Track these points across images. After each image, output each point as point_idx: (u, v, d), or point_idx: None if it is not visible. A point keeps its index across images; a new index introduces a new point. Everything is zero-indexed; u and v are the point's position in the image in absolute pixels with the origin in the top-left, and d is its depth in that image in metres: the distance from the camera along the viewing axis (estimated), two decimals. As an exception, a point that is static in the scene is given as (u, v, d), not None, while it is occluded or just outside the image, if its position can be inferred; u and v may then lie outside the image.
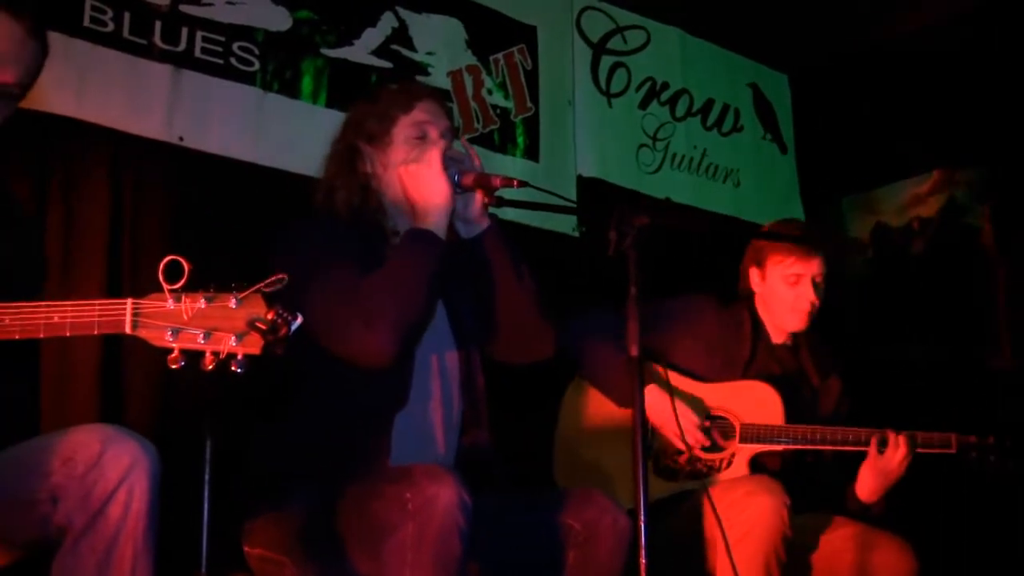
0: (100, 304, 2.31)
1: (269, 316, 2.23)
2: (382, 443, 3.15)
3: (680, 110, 6.41)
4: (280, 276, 2.27)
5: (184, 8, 4.53)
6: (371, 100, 3.57)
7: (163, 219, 4.45)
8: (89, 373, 4.11)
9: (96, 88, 4.27)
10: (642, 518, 2.70)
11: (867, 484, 4.08)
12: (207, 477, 3.04)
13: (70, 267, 4.19)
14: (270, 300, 2.26)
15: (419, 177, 3.25)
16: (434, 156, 3.26)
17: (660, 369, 3.87)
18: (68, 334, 2.31)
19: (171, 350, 2.26)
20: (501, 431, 3.52)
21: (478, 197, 3.34)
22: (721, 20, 6.45)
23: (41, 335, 2.32)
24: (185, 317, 2.24)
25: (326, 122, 4.70)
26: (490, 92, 5.48)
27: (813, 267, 4.25)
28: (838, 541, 4.01)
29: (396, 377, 3.21)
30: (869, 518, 4.10)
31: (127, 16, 4.38)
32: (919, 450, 4.02)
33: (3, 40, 2.74)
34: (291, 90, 4.80)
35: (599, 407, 4.15)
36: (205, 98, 4.55)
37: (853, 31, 6.50)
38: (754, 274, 4.37)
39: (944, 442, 4.04)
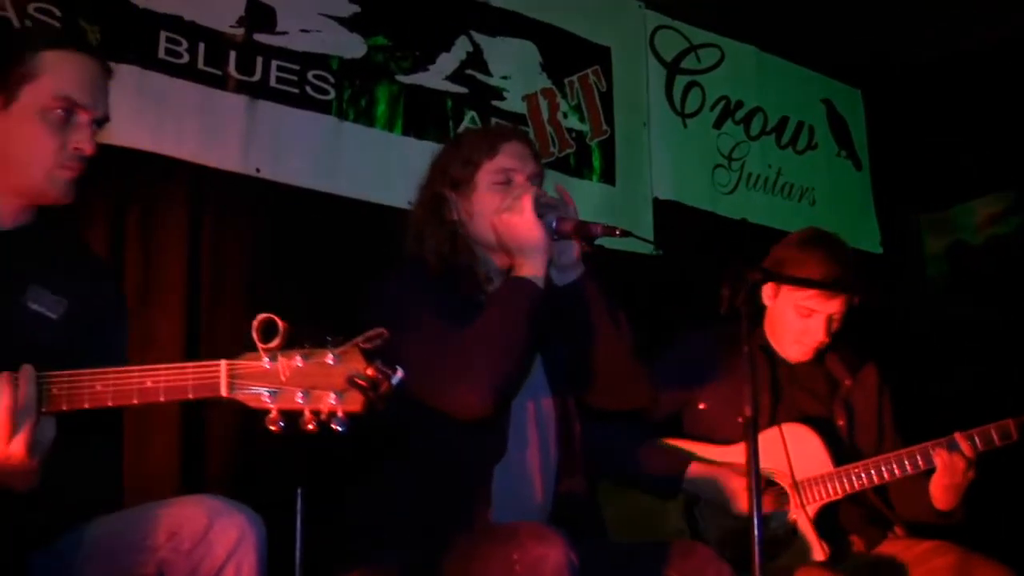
0: (194, 367, 2.19)
1: (369, 372, 2.12)
2: (482, 494, 3.02)
3: (755, 129, 6.23)
4: (380, 331, 2.15)
5: (258, 37, 4.41)
6: (455, 145, 3.45)
7: (242, 252, 4.33)
8: (170, 426, 3.99)
9: (172, 121, 4.16)
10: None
11: (940, 496, 3.83)
12: (298, 533, 2.91)
13: (148, 303, 4.08)
14: (369, 355, 2.14)
15: (514, 225, 3.10)
16: (527, 204, 3.11)
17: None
18: (162, 399, 2.21)
19: (269, 411, 2.14)
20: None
21: (575, 244, 3.19)
22: (794, 36, 6.27)
23: (135, 401, 2.21)
24: (283, 377, 2.13)
25: (402, 150, 4.68)
26: (565, 115, 5.33)
27: (833, 307, 3.89)
28: (937, 572, 3.78)
29: (495, 427, 3.07)
30: (953, 528, 3.89)
31: (202, 47, 4.28)
32: (982, 448, 3.74)
33: (90, 76, 2.70)
34: (367, 118, 4.67)
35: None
36: (281, 128, 4.43)
37: (927, 45, 6.32)
38: (767, 288, 4.02)
39: (1004, 432, 3.75)
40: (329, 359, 2.12)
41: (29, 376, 2.21)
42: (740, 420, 3.32)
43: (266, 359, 2.13)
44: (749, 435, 2.77)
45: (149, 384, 2.19)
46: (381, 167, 4.63)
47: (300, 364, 2.13)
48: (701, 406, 4.02)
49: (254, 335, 2.11)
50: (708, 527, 3.82)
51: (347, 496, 3.19)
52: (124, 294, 2.97)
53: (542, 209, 3.12)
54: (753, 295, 2.76)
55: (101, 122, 2.72)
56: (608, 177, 5.43)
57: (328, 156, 4.54)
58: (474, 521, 2.98)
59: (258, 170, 4.34)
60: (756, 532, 2.74)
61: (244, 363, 2.16)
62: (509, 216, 3.12)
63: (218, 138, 4.27)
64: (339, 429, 2.13)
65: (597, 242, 3.18)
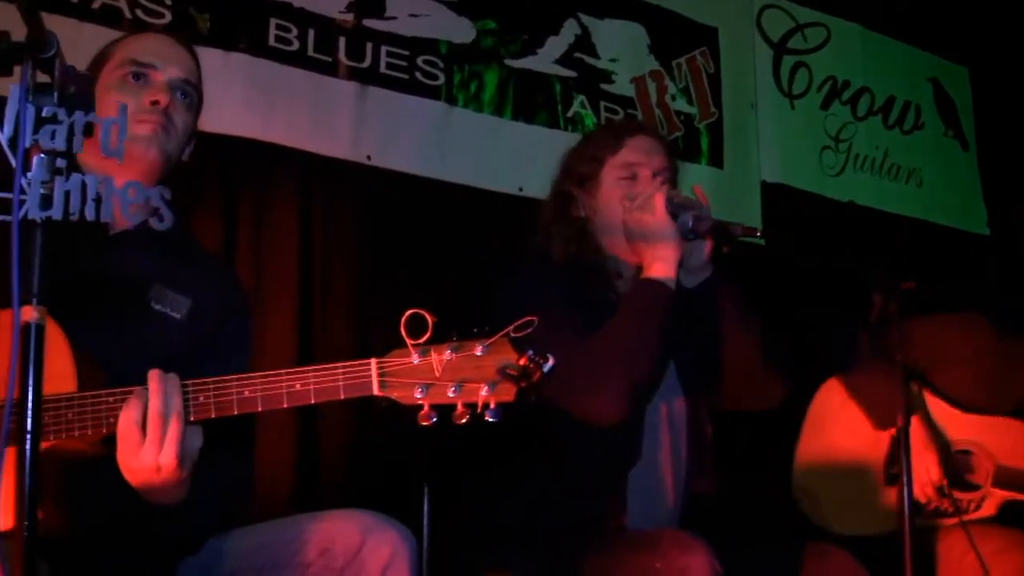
0: (343, 368, 2.11)
1: (521, 362, 2.06)
2: (618, 501, 2.89)
3: (861, 109, 6.01)
4: (530, 319, 2.07)
5: (368, 23, 4.29)
6: (582, 142, 3.37)
7: (352, 241, 4.23)
8: (284, 431, 3.89)
9: (282, 108, 4.07)
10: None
11: None
12: (426, 536, 2.80)
13: (262, 292, 3.99)
14: (519, 344, 2.08)
15: (644, 224, 2.98)
16: (659, 202, 2.98)
17: (920, 390, 3.50)
18: (313, 402, 2.12)
19: (421, 407, 2.07)
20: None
21: (707, 246, 3.05)
22: (900, 13, 6.07)
23: (284, 405, 2.12)
24: (435, 372, 2.06)
25: (512, 135, 4.55)
26: (673, 98, 5.15)
27: None
28: None
29: (630, 430, 2.94)
30: None
31: (312, 33, 4.17)
32: None
33: (155, 42, 2.74)
34: (476, 103, 4.54)
35: (845, 426, 3.79)
36: (391, 115, 4.31)
37: (1036, 20, 6.05)
38: None
39: None
40: (478, 350, 2.07)
41: (175, 385, 2.12)
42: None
43: (415, 354, 2.08)
44: (902, 446, 2.60)
45: (299, 387, 2.11)
46: (491, 153, 4.51)
47: (450, 357, 2.07)
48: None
49: (402, 330, 2.04)
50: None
51: (479, 499, 3.07)
52: (245, 290, 2.87)
53: (676, 208, 2.97)
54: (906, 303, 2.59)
55: (181, 86, 2.67)
56: (716, 160, 5.26)
57: (438, 142, 4.42)
58: (610, 525, 2.85)
59: (369, 157, 4.23)
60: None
61: (394, 360, 2.10)
62: (640, 214, 3.00)
63: (329, 125, 4.16)
64: (492, 420, 2.06)
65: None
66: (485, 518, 3.04)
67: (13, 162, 1.63)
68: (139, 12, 3.83)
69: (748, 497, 3.58)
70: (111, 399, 2.13)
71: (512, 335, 2.07)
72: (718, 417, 3.23)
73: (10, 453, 2.10)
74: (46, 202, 1.65)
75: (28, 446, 1.57)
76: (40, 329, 1.63)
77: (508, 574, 2.88)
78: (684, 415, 3.14)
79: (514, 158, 4.55)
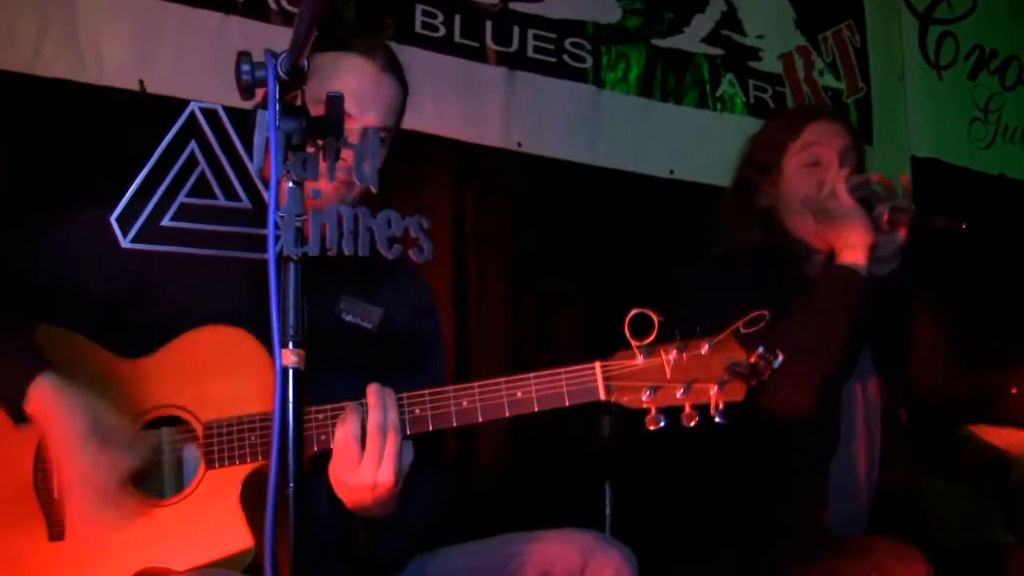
0: (566, 373, 2.03)
1: (751, 359, 1.96)
2: (818, 496, 2.70)
3: (1010, 78, 5.70)
4: (761, 314, 1.96)
5: (514, 6, 4.14)
6: (761, 129, 3.20)
7: (505, 230, 4.08)
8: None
9: (431, 97, 3.92)
10: None
11: None
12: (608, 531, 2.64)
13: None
14: (746, 341, 1.97)
15: (831, 211, 2.82)
16: (842, 188, 2.81)
17: None
18: (536, 410, 2.02)
19: (647, 411, 1.98)
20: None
21: (900, 235, 2.84)
22: (1048, -23, 5.73)
23: (506, 414, 2.02)
24: (667, 372, 1.97)
25: (661, 116, 4.39)
26: (821, 73, 4.92)
27: None
28: None
29: (826, 418, 2.77)
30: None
31: (458, 19, 4.03)
32: None
33: (358, 79, 2.42)
34: (624, 84, 4.36)
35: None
36: (540, 100, 4.16)
37: None
38: None
39: None
40: (705, 349, 1.97)
41: (392, 399, 2.02)
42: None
43: (641, 356, 1.99)
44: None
45: (520, 395, 2.02)
46: (640, 135, 4.34)
47: (677, 357, 1.98)
48: (1013, 390, 3.60)
49: (626, 331, 1.95)
50: None
51: (670, 501, 2.89)
52: (437, 298, 2.72)
53: (871, 196, 2.78)
54: None
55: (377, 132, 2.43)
56: (865, 136, 4.98)
57: (587, 126, 4.26)
58: (810, 524, 2.66)
59: (519, 144, 4.09)
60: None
61: (618, 363, 2.01)
62: (826, 201, 2.84)
63: (479, 113, 4.03)
64: (720, 421, 1.96)
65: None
66: (677, 524, 2.86)
67: (265, 195, 1.49)
68: (285, 3, 3.70)
69: (945, 494, 3.34)
70: (320, 416, 2.04)
71: (742, 331, 1.96)
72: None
73: (228, 476, 2.01)
74: (301, 237, 1.51)
75: (272, 492, 1.44)
76: (299, 374, 1.51)
77: (701, 567, 2.70)
78: (878, 400, 2.95)
79: (664, 140, 4.39)
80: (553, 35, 4.20)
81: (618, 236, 4.19)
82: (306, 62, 1.53)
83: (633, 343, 1.96)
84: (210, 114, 1.53)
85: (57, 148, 3.25)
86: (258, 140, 1.51)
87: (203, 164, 1.55)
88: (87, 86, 3.34)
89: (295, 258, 1.53)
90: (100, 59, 3.36)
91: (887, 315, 2.88)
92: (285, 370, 1.49)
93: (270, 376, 2.01)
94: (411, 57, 3.84)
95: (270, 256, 1.45)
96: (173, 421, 2.17)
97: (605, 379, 1.98)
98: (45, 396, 2.05)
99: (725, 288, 2.83)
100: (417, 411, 2.02)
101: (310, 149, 1.54)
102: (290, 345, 1.51)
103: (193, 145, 1.55)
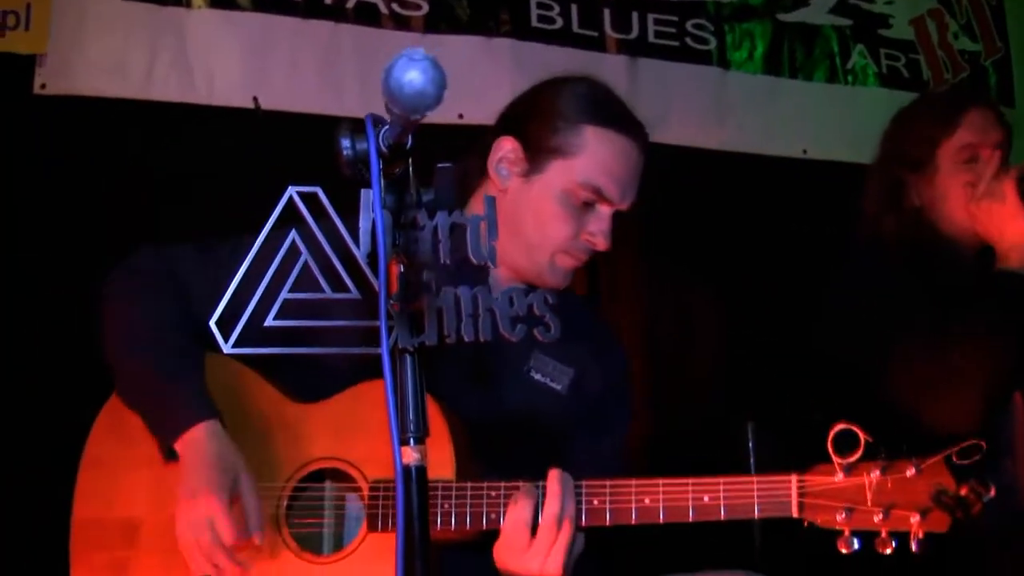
0: (759, 482, 1.89)
1: (961, 492, 1.79)
2: None
3: None
4: (977, 443, 1.78)
5: (632, -9, 3.93)
6: (908, 119, 2.93)
7: (634, 223, 3.84)
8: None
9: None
10: None
11: None
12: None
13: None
14: (958, 471, 1.81)
15: (994, 214, 2.61)
16: (1009, 189, 2.61)
17: None
18: (723, 518, 1.90)
19: (840, 532, 1.84)
20: None
21: None
22: None
23: (690, 519, 1.90)
24: (867, 495, 1.83)
25: (791, 94, 4.18)
26: (956, 36, 4.59)
27: None
28: None
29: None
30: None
31: (575, 9, 3.86)
32: None
33: (624, 165, 2.29)
34: (751, 64, 4.12)
35: None
36: (664, 86, 3.95)
37: None
38: None
39: None
40: (910, 472, 1.82)
41: (571, 488, 1.91)
42: None
43: (840, 474, 1.85)
44: None
45: (707, 500, 1.89)
46: (770, 115, 4.11)
47: (880, 479, 1.83)
48: None
49: (828, 447, 1.81)
50: None
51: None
52: (629, 363, 2.56)
53: None
54: None
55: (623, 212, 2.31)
56: (1007, 99, 4.66)
57: (714, 110, 4.05)
58: None
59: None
60: None
61: (816, 478, 1.87)
62: (989, 204, 2.63)
63: (602, 104, 3.80)
64: (917, 551, 1.81)
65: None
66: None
67: (374, 283, 1.32)
68: (395, 6, 3.58)
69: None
70: (492, 493, 1.95)
71: (955, 461, 1.80)
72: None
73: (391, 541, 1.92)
74: (416, 326, 1.35)
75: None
76: (421, 471, 1.36)
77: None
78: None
79: (795, 119, 4.15)
80: (674, 18, 4.00)
81: (752, 223, 3.97)
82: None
83: (835, 459, 1.81)
84: (309, 198, 1.36)
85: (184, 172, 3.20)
86: (364, 224, 1.34)
87: (305, 254, 1.40)
88: (198, 107, 3.29)
89: (411, 350, 1.36)
90: (211, 79, 3.28)
91: None
92: (407, 469, 1.34)
93: (442, 440, 1.98)
94: (529, 52, 3.72)
95: (383, 350, 1.28)
96: (337, 474, 2.10)
97: (800, 495, 1.86)
98: (199, 440, 2.00)
99: (878, 293, 2.67)
100: (596, 503, 1.92)
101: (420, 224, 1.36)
102: (411, 442, 1.36)
103: (293, 234, 1.40)
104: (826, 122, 4.16)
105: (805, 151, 4.11)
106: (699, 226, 3.93)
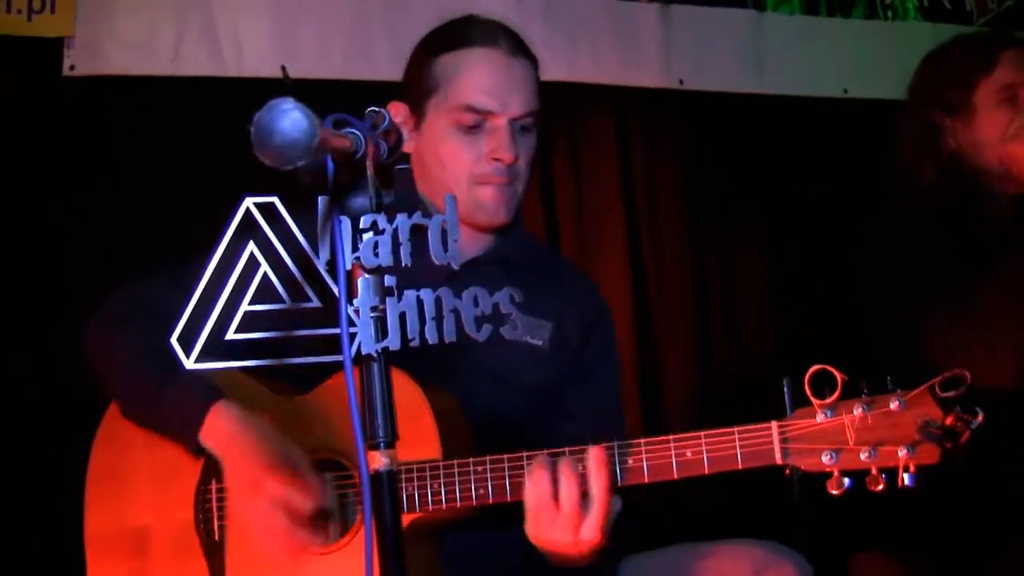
0: (740, 433, 1.81)
1: (947, 421, 1.72)
2: None
3: None
4: (961, 373, 1.70)
5: (662, -63, 3.82)
6: (941, 60, 2.78)
7: (675, 174, 3.81)
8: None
9: (585, 44, 3.70)
10: None
11: None
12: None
13: (586, 242, 3.67)
14: (944, 401, 1.74)
15: None
16: None
17: None
18: (707, 472, 1.84)
19: (829, 475, 1.77)
20: None
21: None
22: None
23: (675, 476, 1.84)
24: (848, 433, 1.76)
25: (829, 33, 4.07)
26: (1000, -37, 4.43)
27: None
28: None
29: None
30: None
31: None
32: None
33: (488, 73, 2.19)
34: (787, 4, 4.01)
35: None
36: (699, 33, 3.85)
37: None
38: None
39: None
40: (894, 405, 1.75)
41: (602, 460, 1.82)
42: None
43: (821, 415, 1.78)
44: None
45: (689, 455, 1.83)
46: (809, 56, 3.98)
47: (862, 416, 1.76)
48: None
49: (806, 389, 1.75)
50: None
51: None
52: (609, 306, 2.47)
53: None
54: None
55: (524, 120, 2.19)
56: (1052, 29, 4.52)
57: (751, 53, 3.93)
58: None
59: (681, 82, 3.81)
60: None
61: (796, 423, 1.80)
62: (1017, 146, 2.56)
63: (636, 54, 3.76)
64: (910, 486, 1.74)
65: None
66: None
67: (335, 289, 1.29)
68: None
69: None
70: (479, 468, 1.89)
71: (939, 394, 1.72)
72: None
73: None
74: (380, 330, 1.31)
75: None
76: (392, 476, 1.31)
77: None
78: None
79: (835, 58, 4.02)
80: (706, -39, 3.89)
81: (794, 166, 3.88)
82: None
83: (814, 401, 1.76)
84: (266, 208, 1.31)
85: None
86: (322, 231, 1.31)
87: (264, 265, 1.35)
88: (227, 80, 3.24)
89: (375, 355, 1.32)
90: (239, 50, 3.23)
91: None
92: (375, 476, 1.31)
93: (424, 420, 1.93)
94: (559, 6, 3.63)
95: (345, 357, 1.26)
96: (334, 465, 2.05)
97: (782, 441, 1.79)
98: (225, 425, 1.97)
99: (914, 245, 2.58)
100: (630, 462, 1.85)
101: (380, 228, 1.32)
102: (380, 447, 1.32)
103: (251, 245, 1.35)
104: (866, 60, 4.03)
105: (846, 90, 3.99)
106: (740, 172, 3.86)
